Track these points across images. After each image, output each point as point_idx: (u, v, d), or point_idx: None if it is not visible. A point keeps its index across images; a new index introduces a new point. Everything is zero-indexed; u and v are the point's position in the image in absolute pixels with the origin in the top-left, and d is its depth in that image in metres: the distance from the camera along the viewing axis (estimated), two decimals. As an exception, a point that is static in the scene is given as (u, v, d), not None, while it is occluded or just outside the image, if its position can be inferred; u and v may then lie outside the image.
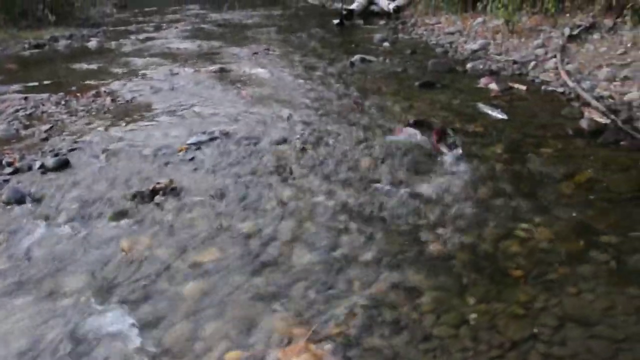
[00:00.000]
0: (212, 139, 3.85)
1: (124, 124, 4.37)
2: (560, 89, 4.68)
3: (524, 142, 3.60)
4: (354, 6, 10.30)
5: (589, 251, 2.36)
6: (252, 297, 2.17)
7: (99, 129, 4.27)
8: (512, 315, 1.99)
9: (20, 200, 3.05)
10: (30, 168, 3.49)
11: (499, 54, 6.19)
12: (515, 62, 5.74)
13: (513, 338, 1.88)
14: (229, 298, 2.17)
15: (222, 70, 6.22)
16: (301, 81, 5.67)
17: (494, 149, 3.50)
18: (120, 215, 2.87)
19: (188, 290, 2.23)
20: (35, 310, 2.15)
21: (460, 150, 3.44)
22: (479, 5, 8.04)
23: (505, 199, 2.86)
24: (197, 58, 7.20)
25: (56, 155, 3.65)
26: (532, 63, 5.56)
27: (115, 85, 5.74)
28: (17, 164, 3.54)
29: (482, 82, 5.13)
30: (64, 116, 4.67)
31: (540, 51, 5.86)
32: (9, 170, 3.46)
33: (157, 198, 3.02)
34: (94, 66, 6.95)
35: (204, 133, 3.95)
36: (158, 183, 3.15)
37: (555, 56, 5.48)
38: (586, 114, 3.99)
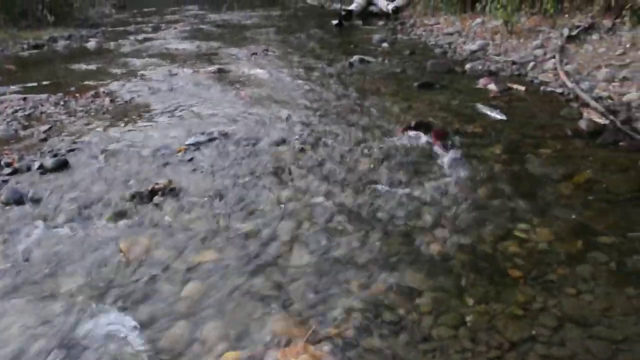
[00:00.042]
0: (211, 140, 3.85)
1: (122, 125, 4.37)
2: (559, 90, 4.69)
3: (523, 142, 3.60)
4: (352, 7, 10.33)
5: (588, 252, 2.36)
6: (250, 297, 2.17)
7: (97, 129, 4.27)
8: (511, 316, 1.99)
9: (19, 200, 3.05)
10: (29, 168, 3.49)
11: (498, 55, 6.20)
12: (514, 62, 5.75)
13: (512, 339, 1.88)
14: (227, 299, 2.17)
15: (220, 70, 6.23)
16: (300, 82, 5.67)
17: (493, 150, 3.51)
18: (119, 215, 2.87)
19: (187, 291, 2.23)
20: (34, 310, 2.14)
21: (459, 151, 3.44)
22: (478, 6, 8.05)
23: (504, 200, 2.86)
24: (196, 59, 7.20)
25: (55, 155, 3.65)
26: (531, 64, 5.57)
27: (114, 85, 5.74)
28: (16, 165, 3.54)
29: (481, 82, 5.14)
30: (63, 117, 4.66)
31: (539, 52, 5.87)
32: (7, 170, 3.45)
33: (156, 199, 3.01)
34: (92, 67, 6.95)
35: (202, 134, 3.95)
36: (157, 184, 3.15)
37: (554, 57, 5.48)
38: (585, 114, 3.99)
